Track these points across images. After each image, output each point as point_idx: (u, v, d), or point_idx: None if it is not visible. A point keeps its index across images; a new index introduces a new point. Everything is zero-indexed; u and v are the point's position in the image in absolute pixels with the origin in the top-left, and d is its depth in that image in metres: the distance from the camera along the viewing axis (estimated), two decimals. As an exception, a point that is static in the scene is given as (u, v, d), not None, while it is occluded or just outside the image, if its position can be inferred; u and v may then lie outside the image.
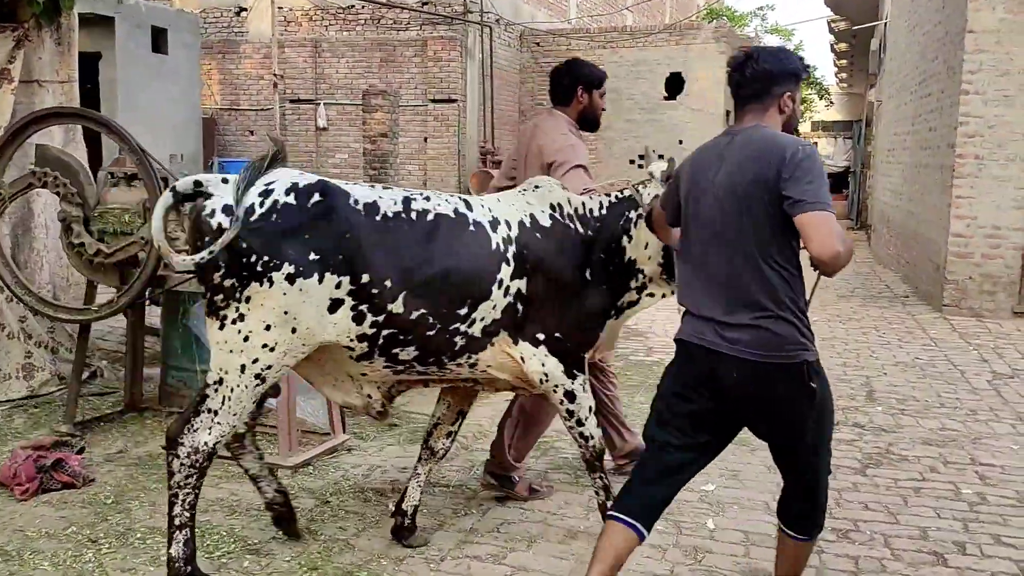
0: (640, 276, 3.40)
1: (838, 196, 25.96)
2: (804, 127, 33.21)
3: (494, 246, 3.13)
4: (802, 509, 2.81)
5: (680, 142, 17.93)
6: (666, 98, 17.98)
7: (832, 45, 24.00)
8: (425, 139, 15.52)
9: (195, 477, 2.91)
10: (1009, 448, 4.85)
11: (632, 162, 18.29)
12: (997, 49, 8.34)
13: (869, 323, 8.40)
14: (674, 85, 17.96)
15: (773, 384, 2.54)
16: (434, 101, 15.34)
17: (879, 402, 5.78)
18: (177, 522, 2.92)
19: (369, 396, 3.26)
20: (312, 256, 2.82)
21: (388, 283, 2.93)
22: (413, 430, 4.92)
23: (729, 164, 2.59)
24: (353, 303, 2.90)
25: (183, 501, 2.91)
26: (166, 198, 2.86)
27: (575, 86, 4.05)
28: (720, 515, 3.87)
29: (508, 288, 3.14)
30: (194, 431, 2.88)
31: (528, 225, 3.22)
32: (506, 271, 3.13)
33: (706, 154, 2.73)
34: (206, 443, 2.88)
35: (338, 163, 15.89)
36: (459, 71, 15.22)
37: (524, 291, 3.17)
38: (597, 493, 3.47)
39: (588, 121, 4.11)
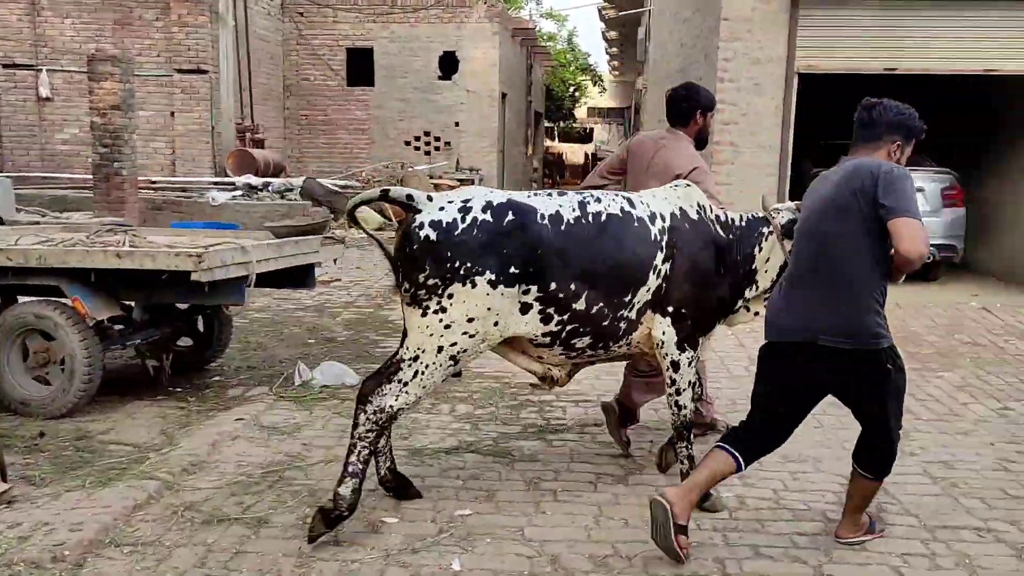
0: (755, 287, 3.93)
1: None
2: (579, 112, 34.18)
3: (653, 237, 3.60)
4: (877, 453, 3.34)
5: (456, 124, 17.55)
6: (441, 78, 17.49)
7: (603, 33, 24.68)
8: (172, 113, 13.93)
9: (375, 434, 3.35)
10: (765, 441, 4.75)
11: (408, 143, 17.67)
12: (749, 37, 8.54)
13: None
14: (449, 64, 17.50)
15: (856, 366, 3.16)
16: (181, 71, 13.79)
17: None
18: (350, 469, 3.32)
19: (549, 367, 3.77)
20: (511, 268, 3.32)
21: (573, 286, 3.44)
22: (107, 467, 4.01)
23: (834, 180, 3.16)
24: (541, 307, 3.43)
25: (359, 452, 3.34)
26: (372, 193, 3.37)
27: (694, 111, 4.43)
28: (469, 551, 3.35)
29: (659, 271, 3.61)
30: (383, 395, 3.33)
31: (679, 216, 3.70)
32: (659, 257, 3.60)
33: (821, 178, 3.32)
34: (391, 406, 3.34)
35: (68, 139, 13.90)
36: (209, 39, 13.78)
37: (668, 272, 3.62)
38: (681, 461, 3.86)
39: (700, 141, 4.53)
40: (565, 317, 3.46)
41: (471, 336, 3.34)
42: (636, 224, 3.56)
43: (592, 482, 4.10)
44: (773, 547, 3.46)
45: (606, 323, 3.54)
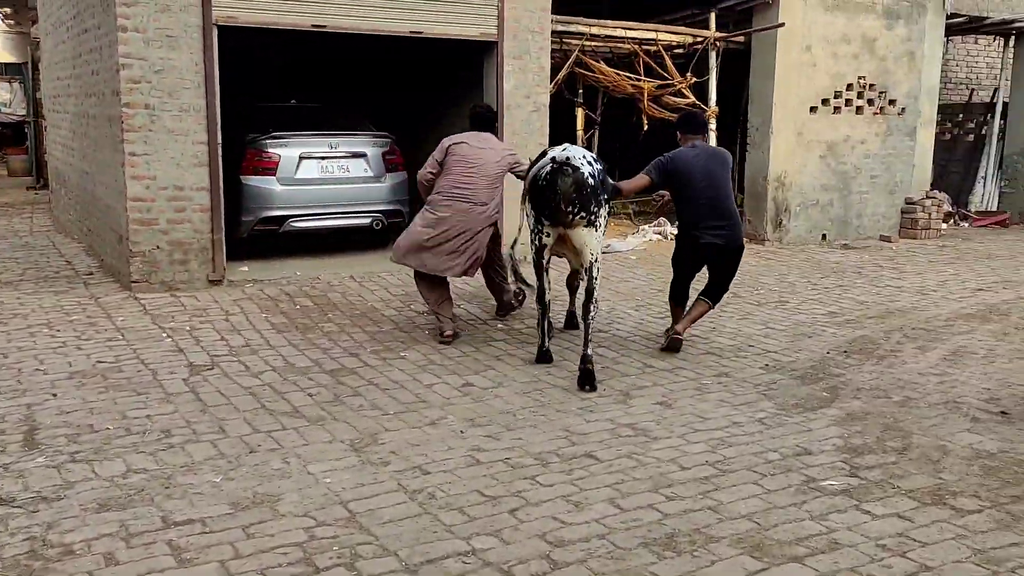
0: None
1: (19, 150, 22.55)
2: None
3: None
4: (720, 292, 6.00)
5: None
6: None
7: (-17, -29, 20.13)
8: None
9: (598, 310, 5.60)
10: (209, 485, 3.69)
11: None
12: (154, -23, 7.12)
13: (40, 317, 6.48)
14: None
15: (733, 253, 5.84)
16: None
17: (43, 446, 4.08)
18: (592, 338, 5.20)
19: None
20: (609, 191, 5.45)
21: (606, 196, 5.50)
22: None
23: (707, 154, 5.88)
24: (607, 209, 5.42)
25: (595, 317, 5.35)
26: (547, 162, 5.18)
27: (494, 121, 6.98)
28: None
29: None
30: (595, 287, 5.31)
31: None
32: None
33: (688, 152, 5.81)
34: (596, 289, 5.34)
35: None
36: None
37: None
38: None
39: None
40: (607, 211, 5.41)
41: (603, 236, 5.40)
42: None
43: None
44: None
45: None
